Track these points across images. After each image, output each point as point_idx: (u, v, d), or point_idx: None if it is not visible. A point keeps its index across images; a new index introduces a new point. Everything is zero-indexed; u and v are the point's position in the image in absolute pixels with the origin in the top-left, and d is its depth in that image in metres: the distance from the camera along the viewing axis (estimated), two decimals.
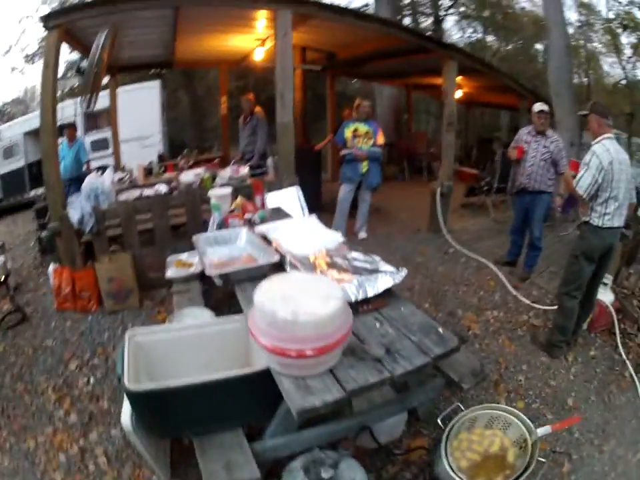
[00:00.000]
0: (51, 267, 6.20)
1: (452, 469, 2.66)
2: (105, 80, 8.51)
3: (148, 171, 8.51)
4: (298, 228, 4.19)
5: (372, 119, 7.59)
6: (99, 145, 13.28)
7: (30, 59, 23.26)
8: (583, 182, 4.30)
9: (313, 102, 15.20)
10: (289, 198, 5.48)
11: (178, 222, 6.13)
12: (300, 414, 2.08)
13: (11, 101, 40.99)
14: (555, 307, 5.05)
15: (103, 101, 13.55)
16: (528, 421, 2.91)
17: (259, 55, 9.70)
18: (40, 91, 5.89)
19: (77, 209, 5.77)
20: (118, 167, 9.53)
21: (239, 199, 4.95)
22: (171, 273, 4.64)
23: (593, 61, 20.76)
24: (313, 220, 4.55)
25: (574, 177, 4.53)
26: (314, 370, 2.27)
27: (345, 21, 7.21)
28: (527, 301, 5.84)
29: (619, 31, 17.34)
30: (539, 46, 25.84)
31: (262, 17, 7.58)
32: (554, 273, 6.62)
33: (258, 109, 8.86)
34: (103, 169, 7.64)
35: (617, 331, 4.97)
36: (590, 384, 4.46)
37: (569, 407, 4.10)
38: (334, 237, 3.92)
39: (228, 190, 5.13)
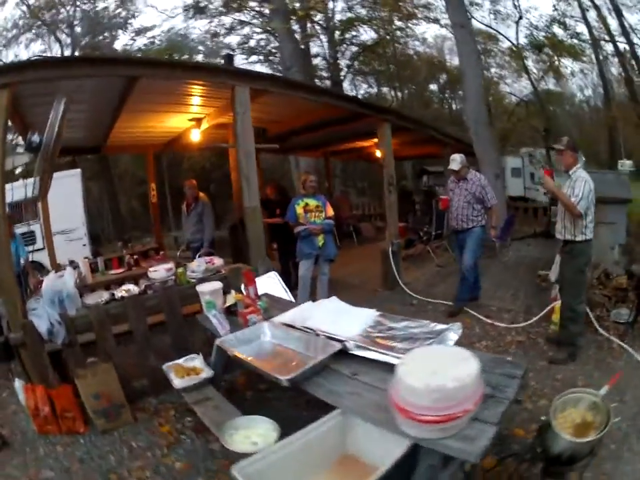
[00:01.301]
0: (17, 383, 5.24)
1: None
2: None
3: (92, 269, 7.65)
4: (324, 311, 4.03)
5: (318, 192, 7.55)
6: (26, 239, 12.01)
7: None
8: (583, 203, 4.95)
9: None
10: (269, 283, 5.25)
11: (153, 321, 5.38)
12: (477, 457, 2.15)
13: None
14: (529, 322, 6.22)
15: (28, 189, 12.88)
16: (587, 389, 3.26)
17: (194, 136, 9.15)
18: None
19: (43, 316, 4.91)
20: (54, 264, 8.68)
21: (234, 293, 4.67)
22: (179, 382, 4.09)
23: (493, 86, 21.94)
24: (335, 300, 4.41)
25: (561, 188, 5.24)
26: (463, 424, 2.29)
27: (297, 95, 7.20)
28: (504, 325, 6.48)
29: (527, 54, 19.70)
30: (433, 87, 27.34)
31: (210, 95, 7.35)
32: (513, 294, 7.70)
33: (202, 194, 8.55)
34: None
35: (592, 318, 5.87)
36: (588, 365, 5.16)
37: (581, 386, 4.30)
38: (367, 312, 3.88)
39: (219, 284, 4.77)
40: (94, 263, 8.01)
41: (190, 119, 8.82)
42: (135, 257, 8.26)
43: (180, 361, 4.43)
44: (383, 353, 3.00)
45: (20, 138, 10.13)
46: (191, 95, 7.40)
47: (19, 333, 4.82)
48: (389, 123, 9.01)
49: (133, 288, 5.66)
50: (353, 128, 10.23)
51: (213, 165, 22.10)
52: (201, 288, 4.74)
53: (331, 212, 7.29)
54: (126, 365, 5.06)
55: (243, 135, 6.09)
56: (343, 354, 3.17)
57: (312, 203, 7.14)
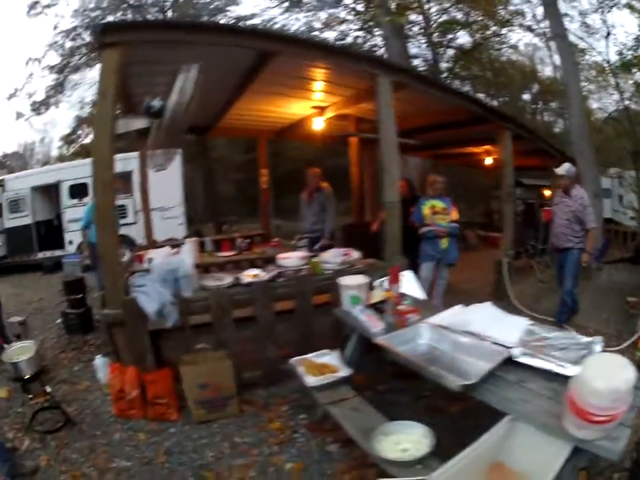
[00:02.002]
0: (100, 361, 5.16)
1: None
2: None
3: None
4: (483, 316, 3.81)
5: (445, 194, 7.22)
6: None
7: (36, 107, 22.46)
8: None
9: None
10: (405, 282, 4.68)
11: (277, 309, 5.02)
12: (619, 456, 2.25)
13: (11, 153, 40.57)
14: (619, 347, 5.66)
15: (120, 164, 12.95)
16: None
17: (318, 124, 8.79)
18: (93, 130, 4.57)
19: (152, 295, 4.53)
20: (150, 240, 8.62)
21: (381, 289, 4.37)
22: (314, 381, 3.90)
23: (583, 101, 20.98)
24: (489, 305, 4.21)
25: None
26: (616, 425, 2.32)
27: (431, 93, 6.85)
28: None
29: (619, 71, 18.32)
30: (525, 96, 26.20)
31: (338, 82, 6.98)
32: (606, 318, 7.32)
33: (325, 184, 8.13)
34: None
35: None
36: None
37: None
38: (519, 320, 3.74)
39: (365, 279, 4.47)
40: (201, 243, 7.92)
41: (313, 106, 8.47)
42: (247, 240, 8.06)
43: (310, 356, 4.24)
44: (551, 362, 2.86)
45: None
46: (319, 81, 7.01)
47: (117, 310, 4.52)
48: (509, 131, 8.65)
49: (261, 273, 5.26)
50: (469, 132, 9.94)
51: (318, 157, 21.81)
52: (345, 281, 4.46)
53: (455, 215, 7.04)
54: (237, 353, 4.68)
55: (386, 127, 5.70)
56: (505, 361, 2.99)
57: (439, 204, 6.93)
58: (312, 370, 4.01)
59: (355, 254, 5.69)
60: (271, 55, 5.54)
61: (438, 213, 6.87)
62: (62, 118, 66.54)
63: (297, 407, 4.50)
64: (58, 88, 22.02)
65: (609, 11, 17.41)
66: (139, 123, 4.73)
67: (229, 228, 15.26)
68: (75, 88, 22.78)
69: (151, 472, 3.86)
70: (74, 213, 13.29)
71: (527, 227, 12.13)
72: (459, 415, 3.38)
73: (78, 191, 13.48)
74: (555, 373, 2.72)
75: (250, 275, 5.16)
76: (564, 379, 2.55)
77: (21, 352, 4.88)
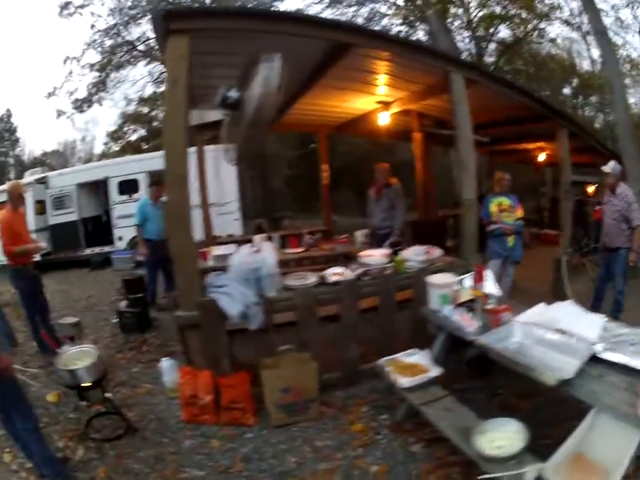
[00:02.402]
0: (167, 363, 4.89)
1: None
2: None
3: None
4: (567, 313, 3.78)
5: (510, 192, 7.19)
6: None
7: (79, 105, 22.58)
8: None
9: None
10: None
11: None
12: None
13: (51, 152, 41.12)
14: None
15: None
16: None
17: (383, 119, 8.55)
18: (165, 122, 4.30)
19: (234, 296, 4.26)
20: (209, 236, 8.44)
21: (469, 288, 4.21)
22: (407, 381, 3.75)
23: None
24: (570, 304, 4.13)
25: None
26: None
27: (499, 91, 6.86)
28: None
29: None
30: (566, 91, 25.69)
31: (406, 78, 6.79)
32: None
33: (394, 179, 7.92)
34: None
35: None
36: None
37: None
38: (596, 317, 3.70)
39: (453, 278, 4.39)
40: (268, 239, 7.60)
41: (378, 101, 8.22)
42: (315, 236, 8.01)
43: (398, 356, 4.12)
44: (627, 356, 2.94)
45: None
46: (387, 75, 6.81)
47: (193, 312, 4.26)
48: (566, 129, 8.65)
49: (345, 272, 5.00)
50: (526, 129, 9.81)
51: (371, 153, 21.52)
52: (434, 280, 4.33)
53: (521, 213, 7.01)
54: (318, 353, 4.50)
55: (462, 124, 5.59)
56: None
57: (505, 202, 6.90)
58: (402, 370, 3.87)
59: (437, 252, 5.51)
60: (344, 48, 5.36)
61: (505, 210, 6.83)
62: (103, 116, 67.74)
63: (377, 408, 4.30)
64: (100, 86, 22.20)
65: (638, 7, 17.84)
66: (215, 115, 4.46)
67: (290, 224, 14.92)
68: (118, 86, 23.04)
69: None
70: (123, 209, 13.33)
71: (576, 224, 11.89)
72: (529, 412, 3.29)
73: (127, 187, 13.45)
74: (631, 367, 2.80)
75: (336, 274, 4.90)
76: (637, 372, 2.73)
77: (79, 357, 4.33)
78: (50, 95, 22.53)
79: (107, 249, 13.96)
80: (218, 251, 6.63)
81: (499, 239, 6.82)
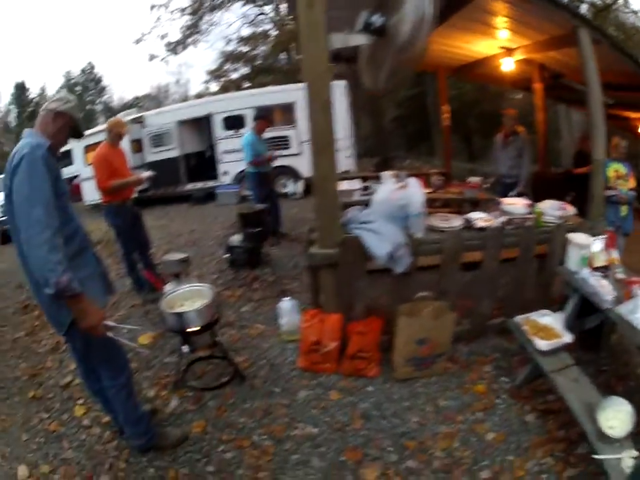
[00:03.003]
0: (287, 304, 4.58)
1: None
2: None
3: None
4: None
5: (625, 159, 6.70)
6: (279, 144, 12.16)
7: (173, 48, 22.82)
8: None
9: None
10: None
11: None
12: None
13: (143, 95, 42.07)
14: None
15: (281, 95, 12.52)
16: None
17: (507, 65, 7.95)
18: (302, 47, 3.70)
19: (384, 235, 3.82)
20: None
21: (606, 252, 3.97)
22: (545, 344, 3.46)
23: None
24: None
25: None
26: None
27: (616, 54, 6.12)
28: None
29: None
30: None
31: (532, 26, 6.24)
32: None
33: (521, 128, 7.47)
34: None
35: None
36: None
37: None
38: None
39: (594, 239, 4.02)
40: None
41: (500, 46, 7.62)
42: (442, 179, 7.63)
43: (533, 315, 3.80)
44: None
45: None
46: (513, 20, 6.28)
47: (332, 250, 3.84)
48: None
49: (493, 218, 4.58)
50: (636, 97, 8.86)
51: (476, 99, 20.69)
52: (577, 239, 4.00)
53: (633, 183, 6.52)
54: (454, 304, 4.16)
55: (592, 82, 5.13)
56: None
57: (621, 169, 6.43)
58: (537, 331, 3.59)
59: (570, 209, 4.96)
60: None
61: (620, 177, 6.36)
62: (197, 59, 68.75)
63: (498, 369, 4.00)
64: (193, 28, 22.36)
65: None
66: (358, 39, 4.01)
67: (403, 164, 14.36)
68: (211, 29, 23.14)
69: (342, 440, 3.33)
70: (229, 145, 13.23)
71: None
72: (622, 395, 2.87)
73: (233, 122, 13.23)
74: None
75: (483, 219, 4.47)
76: None
77: (188, 297, 3.99)
78: (138, 41, 23.10)
79: (210, 183, 13.95)
80: (342, 185, 6.33)
81: (613, 207, 6.30)
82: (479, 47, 7.88)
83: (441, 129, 10.95)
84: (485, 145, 18.67)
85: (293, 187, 12.06)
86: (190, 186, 14.36)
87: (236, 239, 6.81)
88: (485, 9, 5.80)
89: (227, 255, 6.83)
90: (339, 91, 11.63)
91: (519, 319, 3.76)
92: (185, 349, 3.83)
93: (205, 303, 3.74)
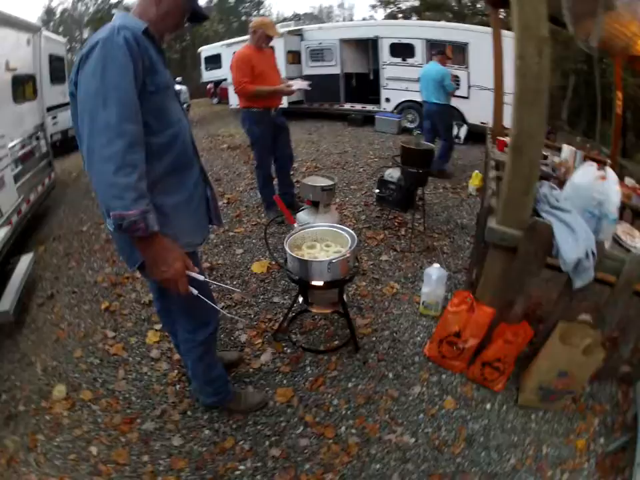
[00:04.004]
0: (435, 272, 3.62)
1: None
2: None
3: None
4: None
5: None
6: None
7: None
8: None
9: None
10: None
11: None
12: None
13: (304, 14, 41.81)
14: None
15: (454, 33, 11.53)
16: None
17: None
18: None
19: (579, 235, 2.66)
20: (498, 125, 6.56)
21: None
22: None
23: None
24: None
25: None
26: None
27: None
28: None
29: None
30: None
31: None
32: None
33: None
34: None
35: None
36: None
37: None
38: None
39: None
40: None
41: None
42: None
43: None
44: None
45: None
46: None
47: (515, 231, 2.75)
48: None
49: None
50: None
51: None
52: None
53: None
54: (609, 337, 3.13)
55: None
56: None
57: None
58: None
59: None
60: None
61: None
62: None
63: (602, 424, 2.95)
64: None
65: None
66: None
67: (582, 142, 12.75)
68: None
69: (434, 462, 2.57)
70: (394, 72, 12.48)
71: None
72: None
73: (401, 50, 12.36)
74: None
75: None
76: None
77: (321, 239, 3.20)
78: None
79: (369, 107, 13.33)
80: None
81: None
82: None
83: (605, 114, 9.42)
84: None
85: (456, 130, 10.96)
86: (347, 106, 13.78)
87: (391, 174, 5.82)
88: None
89: (377, 191, 5.88)
90: (512, 43, 10.26)
91: None
92: (301, 300, 3.13)
93: (341, 254, 2.89)
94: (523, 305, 2.93)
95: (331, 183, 4.22)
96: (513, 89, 2.51)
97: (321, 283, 2.86)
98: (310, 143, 10.27)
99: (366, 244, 4.97)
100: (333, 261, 2.77)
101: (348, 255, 2.86)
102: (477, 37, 10.37)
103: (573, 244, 2.57)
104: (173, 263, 1.84)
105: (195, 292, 1.98)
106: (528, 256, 2.72)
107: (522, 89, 2.51)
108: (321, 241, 3.15)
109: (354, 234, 3.07)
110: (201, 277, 2.01)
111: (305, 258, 2.87)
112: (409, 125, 12.03)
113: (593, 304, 3.08)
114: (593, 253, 2.58)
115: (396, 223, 5.55)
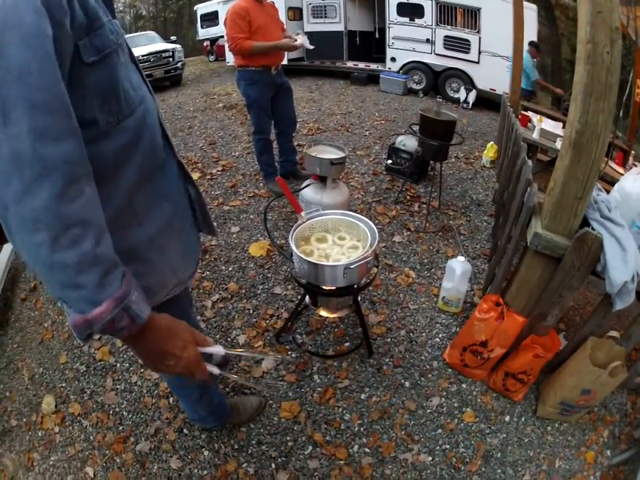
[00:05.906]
0: (459, 267, 3.21)
1: None
2: None
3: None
4: None
5: None
6: (456, 45, 11.04)
7: None
8: None
9: None
10: None
11: None
12: None
13: None
14: None
15: None
16: None
17: None
18: None
19: (627, 253, 2.26)
20: (514, 93, 6.22)
21: None
22: None
23: None
24: None
25: None
26: None
27: None
28: None
29: None
30: None
31: None
32: None
33: None
34: None
35: None
36: None
37: None
38: None
39: None
40: None
41: None
42: None
43: None
44: None
45: None
46: None
47: (561, 239, 2.37)
48: None
49: None
50: None
51: None
52: None
53: None
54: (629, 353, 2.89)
55: None
56: None
57: None
58: None
59: None
60: None
61: None
62: None
63: (610, 436, 2.78)
64: None
65: None
66: None
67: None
68: None
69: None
70: (401, 31, 12.00)
71: None
72: None
73: (409, 10, 11.81)
74: None
75: None
76: None
77: (334, 230, 2.63)
78: None
79: (373, 66, 12.87)
80: (547, 124, 5.18)
81: None
82: None
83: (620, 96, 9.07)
84: None
85: (464, 94, 10.56)
86: (350, 64, 13.31)
87: (403, 141, 5.39)
88: None
89: (390, 161, 5.48)
90: (530, 16, 9.70)
91: None
92: (308, 302, 2.75)
93: (361, 255, 2.31)
94: (556, 318, 2.61)
95: (341, 155, 3.62)
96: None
97: (333, 288, 2.41)
98: (311, 102, 9.78)
99: (377, 221, 4.54)
100: (351, 266, 2.20)
101: (369, 257, 2.28)
102: (490, 2, 10.00)
103: (622, 264, 2.21)
104: (181, 353, 1.11)
105: (217, 371, 1.27)
106: (572, 268, 2.37)
107: (592, 79, 2.09)
108: (333, 232, 2.60)
109: (373, 226, 2.47)
110: (222, 351, 1.26)
111: (316, 261, 2.26)
112: (415, 87, 11.64)
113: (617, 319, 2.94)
114: (638, 274, 2.25)
115: (408, 197, 5.07)
